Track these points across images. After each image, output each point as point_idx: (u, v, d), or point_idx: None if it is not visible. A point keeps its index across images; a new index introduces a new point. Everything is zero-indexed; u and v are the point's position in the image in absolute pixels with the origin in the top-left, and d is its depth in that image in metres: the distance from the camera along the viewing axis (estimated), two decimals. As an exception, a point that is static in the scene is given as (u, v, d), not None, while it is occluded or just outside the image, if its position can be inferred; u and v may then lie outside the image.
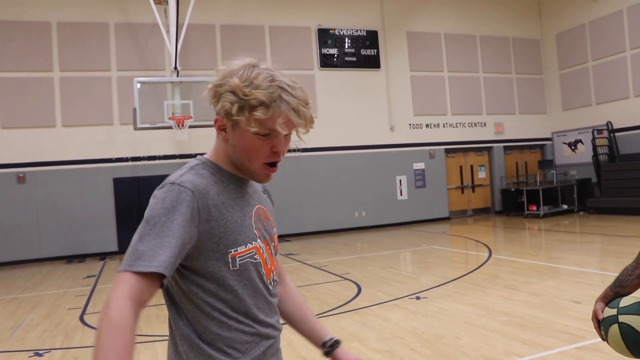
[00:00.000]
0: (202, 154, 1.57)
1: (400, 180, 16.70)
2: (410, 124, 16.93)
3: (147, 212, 1.36)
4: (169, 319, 1.51)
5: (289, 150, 15.00)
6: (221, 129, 1.47)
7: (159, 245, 1.31)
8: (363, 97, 16.35)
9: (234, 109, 1.39)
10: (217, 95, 1.43)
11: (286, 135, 1.44)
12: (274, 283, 1.58)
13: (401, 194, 16.68)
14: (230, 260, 1.44)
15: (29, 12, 13.51)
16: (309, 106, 1.44)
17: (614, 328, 1.96)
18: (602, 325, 2.02)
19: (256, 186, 1.60)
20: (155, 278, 1.31)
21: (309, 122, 1.44)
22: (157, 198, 1.37)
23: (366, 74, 16.49)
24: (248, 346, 1.48)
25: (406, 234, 14.41)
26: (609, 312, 2.00)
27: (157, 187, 1.42)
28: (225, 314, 1.45)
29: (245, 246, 1.46)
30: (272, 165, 1.48)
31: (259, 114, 1.37)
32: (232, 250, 1.44)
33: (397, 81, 16.80)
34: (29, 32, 13.46)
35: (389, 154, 16.62)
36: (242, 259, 1.46)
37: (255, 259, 1.49)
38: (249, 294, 1.48)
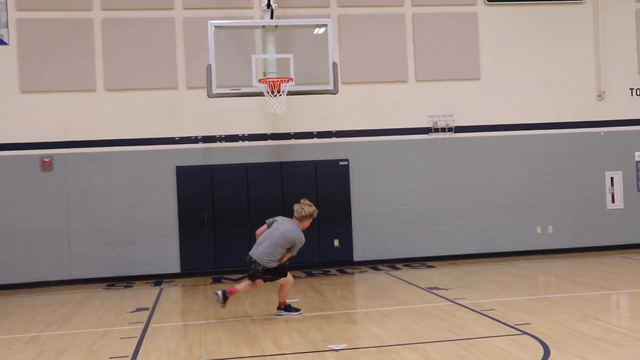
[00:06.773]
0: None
1: (612, 179, 16.34)
2: (631, 89, 16.36)
3: None
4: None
5: (436, 130, 14.69)
6: None
7: None
8: (552, 46, 16.00)
9: None
10: None
11: None
12: None
13: (613, 201, 16.35)
14: None
15: None
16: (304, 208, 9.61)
17: None
18: None
19: None
20: None
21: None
22: None
23: (560, 10, 16.17)
24: None
25: (622, 264, 14.27)
26: None
27: None
28: None
29: None
30: None
31: None
32: None
33: (612, 19, 16.32)
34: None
35: (593, 135, 16.23)
36: None
37: None
38: None
